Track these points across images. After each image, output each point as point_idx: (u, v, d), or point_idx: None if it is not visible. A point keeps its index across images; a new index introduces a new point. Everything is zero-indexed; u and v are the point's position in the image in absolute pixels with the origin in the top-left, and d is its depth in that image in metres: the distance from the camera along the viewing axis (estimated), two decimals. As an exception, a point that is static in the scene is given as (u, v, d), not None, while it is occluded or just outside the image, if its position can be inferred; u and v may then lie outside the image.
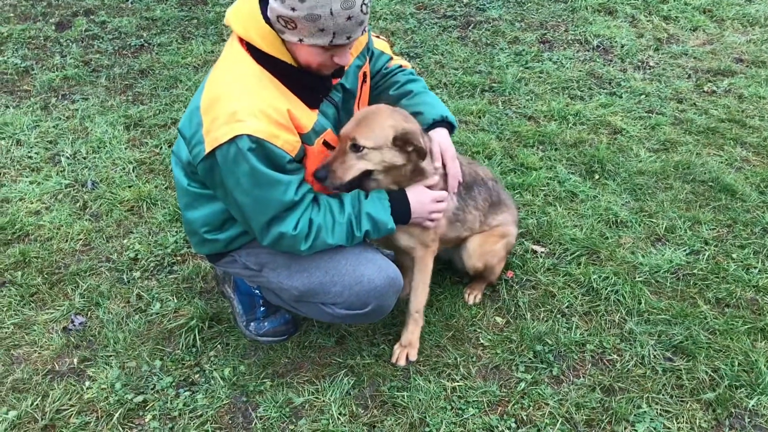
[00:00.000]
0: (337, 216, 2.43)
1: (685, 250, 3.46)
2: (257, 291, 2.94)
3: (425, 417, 2.61)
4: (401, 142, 2.45)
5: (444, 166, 2.69)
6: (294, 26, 2.19)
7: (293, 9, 2.14)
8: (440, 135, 2.72)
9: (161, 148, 4.36)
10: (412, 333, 2.85)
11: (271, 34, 2.28)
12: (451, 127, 2.79)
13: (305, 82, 2.39)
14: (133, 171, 4.12)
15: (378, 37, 2.91)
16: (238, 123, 2.19)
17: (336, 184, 2.44)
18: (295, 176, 2.34)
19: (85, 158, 4.26)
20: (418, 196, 2.56)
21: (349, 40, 2.23)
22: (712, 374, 2.78)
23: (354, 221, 2.44)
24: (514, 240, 3.19)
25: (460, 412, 2.64)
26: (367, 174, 2.51)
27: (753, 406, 2.65)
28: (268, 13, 2.25)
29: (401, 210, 2.52)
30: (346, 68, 2.53)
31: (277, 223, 2.35)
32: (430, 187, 2.61)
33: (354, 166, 2.45)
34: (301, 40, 2.22)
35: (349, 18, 2.16)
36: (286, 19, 2.19)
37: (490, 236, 3.03)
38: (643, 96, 5.01)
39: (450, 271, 3.32)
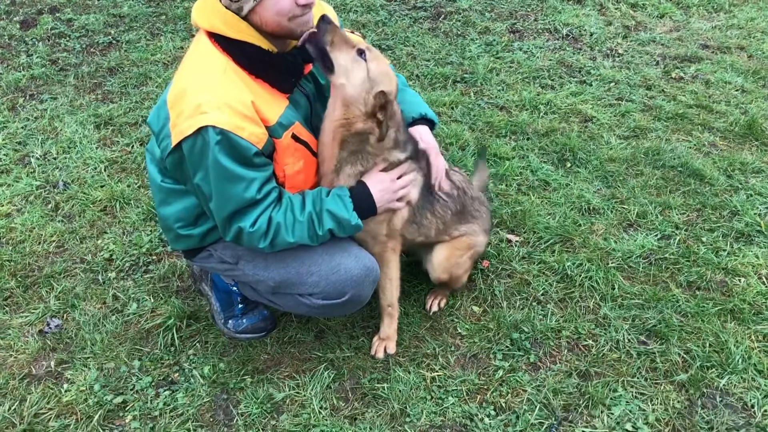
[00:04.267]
0: (297, 214, 2.41)
1: (656, 235, 3.52)
2: (235, 288, 2.94)
3: (406, 407, 2.64)
4: (381, 102, 2.42)
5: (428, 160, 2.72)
6: None
7: None
8: (422, 131, 2.74)
9: (133, 146, 4.31)
10: (389, 326, 2.86)
11: (235, 18, 2.29)
12: (431, 125, 2.81)
13: (276, 64, 2.39)
14: (105, 170, 4.08)
15: (352, 32, 2.91)
16: (202, 115, 2.20)
17: (310, 38, 2.36)
18: (261, 173, 2.33)
19: (55, 159, 4.20)
20: (379, 184, 2.53)
21: None
22: (685, 356, 2.84)
23: (315, 219, 2.42)
24: (482, 249, 3.14)
25: (439, 401, 2.67)
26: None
27: (724, 385, 2.72)
28: (222, 1, 2.28)
29: (365, 203, 2.49)
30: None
31: (237, 219, 2.35)
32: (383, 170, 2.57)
33: (341, 56, 2.40)
34: None
35: None
36: None
37: (455, 249, 2.96)
38: (613, 83, 5.07)
39: (426, 262, 3.34)
